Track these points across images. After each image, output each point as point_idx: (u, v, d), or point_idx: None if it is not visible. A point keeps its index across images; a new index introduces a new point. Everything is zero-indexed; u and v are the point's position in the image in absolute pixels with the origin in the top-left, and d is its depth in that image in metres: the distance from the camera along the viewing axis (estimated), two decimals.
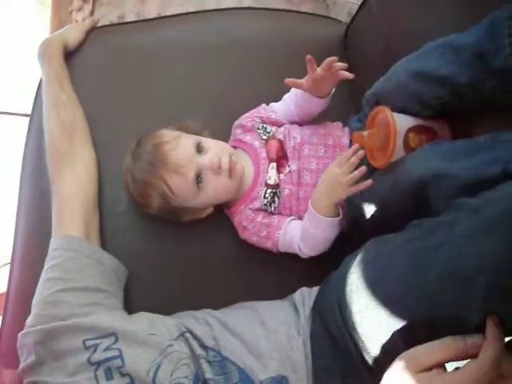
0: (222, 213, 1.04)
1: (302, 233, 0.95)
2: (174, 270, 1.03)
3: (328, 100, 1.00)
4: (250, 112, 1.06)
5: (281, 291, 0.99)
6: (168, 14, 1.35)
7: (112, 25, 1.38)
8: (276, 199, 0.98)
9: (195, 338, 0.85)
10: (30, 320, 0.83)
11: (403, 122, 0.85)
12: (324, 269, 0.93)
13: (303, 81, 0.94)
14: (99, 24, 1.25)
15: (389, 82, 0.89)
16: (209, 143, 0.97)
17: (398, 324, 0.64)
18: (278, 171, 0.98)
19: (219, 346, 0.84)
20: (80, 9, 1.91)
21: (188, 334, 0.85)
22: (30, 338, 0.80)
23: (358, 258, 0.80)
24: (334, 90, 0.98)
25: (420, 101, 0.84)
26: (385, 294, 0.69)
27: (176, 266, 1.03)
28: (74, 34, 1.17)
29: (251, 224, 0.99)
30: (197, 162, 0.93)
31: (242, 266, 1.04)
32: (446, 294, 0.59)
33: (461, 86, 0.78)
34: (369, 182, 0.84)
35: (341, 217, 0.92)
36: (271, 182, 0.98)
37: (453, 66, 0.78)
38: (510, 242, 0.53)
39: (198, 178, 0.93)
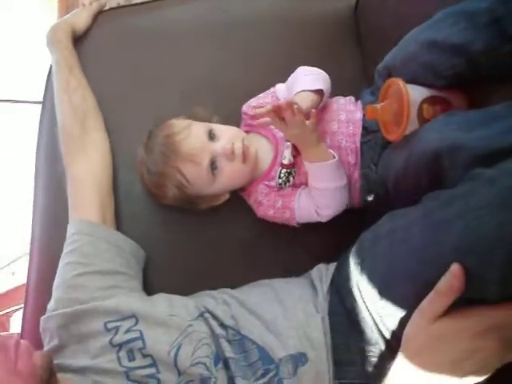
0: (237, 196, 1.04)
1: (314, 194, 0.95)
2: (191, 251, 1.04)
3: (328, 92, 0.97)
4: (256, 100, 1.04)
5: (298, 269, 0.99)
6: None
7: (119, 7, 1.37)
8: (291, 179, 0.97)
9: (214, 317, 0.86)
10: (51, 304, 0.85)
11: (417, 94, 0.83)
12: (341, 245, 0.92)
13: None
14: (106, 7, 1.24)
15: (400, 54, 0.87)
16: (220, 129, 0.97)
17: (415, 297, 0.63)
18: (295, 149, 0.96)
19: (238, 325, 0.84)
20: None
21: (207, 314, 0.86)
22: (53, 321, 0.82)
23: (374, 232, 0.80)
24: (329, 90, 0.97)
25: (433, 71, 0.82)
26: (402, 267, 0.69)
27: (193, 248, 1.04)
28: (81, 18, 1.17)
29: (266, 198, 0.99)
30: (210, 149, 0.93)
31: (259, 245, 1.05)
32: (464, 266, 0.58)
33: (475, 53, 0.76)
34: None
35: (336, 158, 0.92)
36: (286, 161, 0.96)
37: (466, 34, 0.76)
38: None
39: (213, 165, 0.93)
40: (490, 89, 0.82)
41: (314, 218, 0.97)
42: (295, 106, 0.83)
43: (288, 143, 0.97)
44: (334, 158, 0.92)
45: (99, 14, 1.21)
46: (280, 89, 1.03)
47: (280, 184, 0.97)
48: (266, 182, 0.99)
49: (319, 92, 0.93)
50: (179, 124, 0.96)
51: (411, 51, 0.84)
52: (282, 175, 0.97)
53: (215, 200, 1.01)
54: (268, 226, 1.02)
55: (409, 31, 0.87)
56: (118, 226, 1.00)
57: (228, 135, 0.95)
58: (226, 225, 1.05)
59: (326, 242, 1.01)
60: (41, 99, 1.18)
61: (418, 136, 0.79)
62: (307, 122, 0.86)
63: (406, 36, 0.87)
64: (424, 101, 0.83)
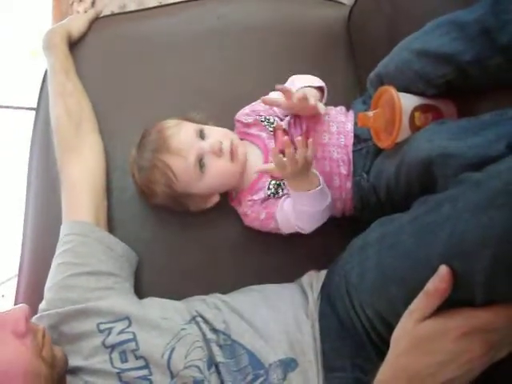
0: (228, 202, 1.04)
1: (294, 212, 0.94)
2: (183, 255, 1.04)
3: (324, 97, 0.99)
4: (250, 107, 1.04)
5: (289, 275, 0.99)
6: (169, 1, 1.35)
7: (114, 14, 1.38)
8: (280, 191, 0.97)
9: (206, 321, 0.86)
10: (43, 305, 0.85)
11: (408, 101, 0.84)
12: (332, 251, 0.93)
13: (282, 100, 0.93)
14: (102, 14, 1.25)
15: (392, 62, 0.89)
16: (211, 129, 0.98)
17: (405, 301, 0.64)
18: None
19: (229, 330, 0.85)
20: (81, 0, 1.90)
21: (199, 318, 0.86)
22: (44, 322, 0.82)
23: (364, 238, 0.81)
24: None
25: (424, 80, 0.84)
26: (391, 272, 0.69)
27: (185, 252, 1.04)
28: (77, 24, 1.17)
29: (250, 209, 0.99)
30: (198, 146, 0.94)
31: (250, 251, 1.05)
32: (451, 268, 0.59)
33: (465, 63, 0.77)
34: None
35: (321, 186, 0.89)
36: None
37: (457, 44, 0.78)
38: None
39: (201, 162, 0.94)
40: (480, 98, 0.83)
41: (297, 230, 0.96)
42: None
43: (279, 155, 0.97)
44: (319, 184, 0.89)
45: (95, 21, 1.22)
46: (274, 95, 1.02)
47: (269, 195, 0.97)
48: (249, 197, 0.99)
49: (321, 89, 0.95)
50: (171, 121, 0.97)
51: (403, 60, 0.86)
52: (271, 186, 0.97)
53: (205, 201, 1.01)
54: (259, 232, 1.02)
55: (401, 41, 0.89)
56: (111, 230, 1.00)
57: (217, 135, 0.96)
58: (218, 229, 1.05)
59: (316, 248, 1.01)
60: (33, 105, 1.19)
61: (409, 144, 0.80)
62: (306, 153, 0.84)
63: (398, 45, 0.88)
64: (416, 109, 0.84)
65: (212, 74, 1.15)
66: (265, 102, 0.96)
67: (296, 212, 0.93)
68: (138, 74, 1.15)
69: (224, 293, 0.96)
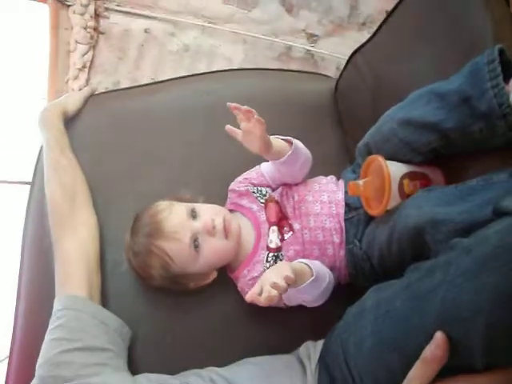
0: (224, 273, 1.03)
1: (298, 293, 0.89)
2: (177, 330, 1.02)
3: (297, 160, 0.98)
4: (243, 176, 1.07)
5: (286, 346, 0.98)
6: (161, 77, 1.40)
7: (108, 91, 1.42)
8: (279, 262, 0.96)
9: None
10: (34, 382, 0.83)
11: (397, 169, 0.86)
12: (328, 321, 0.91)
13: (239, 131, 0.94)
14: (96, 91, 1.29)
15: (378, 132, 0.92)
16: (202, 208, 0.98)
17: (403, 369, 0.63)
18: (281, 233, 0.98)
19: None
20: (76, 77, 1.96)
21: None
22: None
23: (359, 306, 0.81)
24: (289, 152, 0.95)
25: (410, 148, 0.87)
26: (388, 340, 0.68)
27: (179, 326, 1.02)
28: (73, 101, 1.21)
29: (251, 288, 0.91)
30: (191, 226, 0.93)
31: (246, 322, 1.03)
32: (447, 334, 0.58)
33: (449, 130, 0.81)
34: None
35: (314, 276, 0.86)
36: (273, 245, 0.97)
37: (439, 112, 0.81)
38: (505, 277, 0.54)
39: (196, 243, 0.93)
40: (466, 164, 0.85)
41: (302, 303, 0.95)
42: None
43: (274, 227, 0.98)
44: (312, 275, 0.87)
45: (90, 97, 1.25)
46: (265, 166, 1.06)
47: (267, 268, 0.95)
48: (249, 275, 0.97)
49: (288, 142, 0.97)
50: (162, 204, 0.97)
51: (388, 129, 0.89)
52: (269, 259, 0.96)
53: (203, 279, 0.99)
54: (254, 305, 1.00)
55: (386, 110, 0.92)
56: (104, 303, 0.98)
57: (209, 212, 0.96)
58: (214, 302, 1.04)
59: (313, 318, 0.99)
60: (27, 179, 1.20)
61: (399, 212, 0.82)
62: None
63: (384, 115, 0.92)
64: (404, 176, 0.86)
65: (204, 147, 1.17)
66: (227, 129, 0.94)
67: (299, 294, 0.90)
68: (132, 149, 1.17)
69: (220, 366, 0.94)
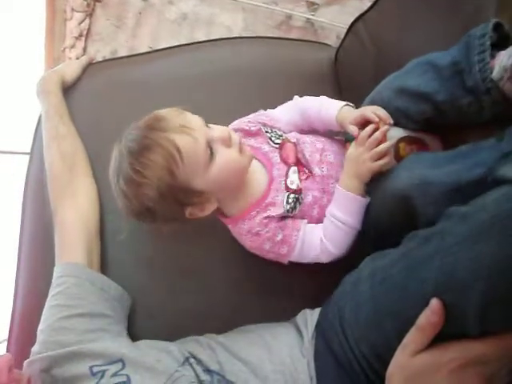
0: (223, 242, 1.02)
1: (327, 225, 0.90)
2: (176, 297, 1.03)
3: None
4: (249, 117, 1.01)
5: (283, 314, 0.99)
6: (159, 46, 1.38)
7: (106, 60, 1.41)
8: (297, 205, 0.91)
9: (199, 362, 0.85)
10: (35, 347, 0.84)
11: (394, 132, 0.87)
12: (325, 290, 0.92)
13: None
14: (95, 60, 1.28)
15: (375, 99, 0.92)
16: (214, 126, 0.88)
17: (398, 335, 0.64)
18: (299, 176, 0.93)
19: (224, 370, 0.84)
20: (73, 46, 1.94)
21: (192, 359, 0.85)
22: (36, 365, 0.81)
23: (356, 275, 0.82)
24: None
25: (405, 115, 0.87)
26: (384, 306, 0.70)
27: (178, 294, 1.03)
28: (71, 69, 1.20)
29: (265, 228, 0.89)
30: (206, 132, 0.84)
31: (245, 291, 1.04)
32: (443, 301, 0.59)
33: (440, 103, 0.81)
34: (390, 156, 0.85)
35: (369, 199, 0.88)
36: (294, 186, 0.91)
37: (433, 84, 0.81)
38: (502, 244, 0.54)
39: (211, 149, 0.83)
40: (464, 133, 0.85)
41: (313, 257, 0.92)
42: (385, 127, 0.85)
43: (294, 167, 0.93)
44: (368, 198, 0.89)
45: (88, 66, 1.24)
46: (281, 112, 1.02)
47: (288, 210, 0.90)
48: (264, 213, 0.90)
49: None
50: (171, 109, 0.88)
51: (385, 97, 0.89)
52: (290, 200, 0.90)
53: (202, 204, 0.88)
54: (254, 272, 1.02)
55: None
56: (104, 271, 0.99)
57: (223, 127, 0.89)
58: (212, 271, 1.05)
59: (311, 286, 1.01)
60: (27, 150, 1.20)
61: (389, 175, 0.83)
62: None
63: (381, 83, 0.92)
64: (401, 139, 0.87)
65: (204, 114, 1.15)
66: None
67: (330, 226, 0.89)
68: (130, 118, 1.16)
69: (219, 333, 0.95)
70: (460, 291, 0.58)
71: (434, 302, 0.59)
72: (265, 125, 0.98)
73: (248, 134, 0.97)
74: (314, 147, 0.96)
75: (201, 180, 0.83)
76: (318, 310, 0.94)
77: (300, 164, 0.95)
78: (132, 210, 0.86)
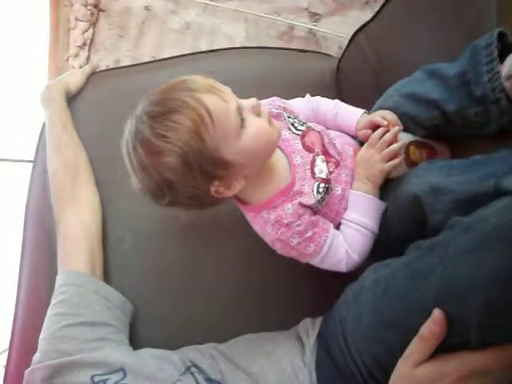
0: (226, 252, 1.03)
1: (346, 231, 0.85)
2: (179, 306, 1.03)
3: None
4: (266, 100, 0.94)
5: (284, 323, 0.99)
6: (162, 56, 1.38)
7: (109, 69, 1.42)
8: (326, 196, 0.84)
9: (201, 371, 0.85)
10: (36, 356, 0.84)
11: (404, 136, 0.87)
12: (327, 298, 0.92)
13: None
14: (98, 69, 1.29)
15: (383, 105, 0.91)
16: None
17: (401, 345, 0.64)
18: (329, 163, 0.88)
19: (225, 380, 0.83)
20: (76, 55, 1.95)
21: (194, 368, 0.85)
22: (37, 374, 0.80)
23: (358, 284, 0.81)
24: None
25: (413, 121, 0.87)
26: (386, 316, 0.69)
27: (180, 303, 1.03)
28: (75, 78, 1.21)
29: (298, 221, 0.81)
30: (236, 99, 0.77)
31: (247, 298, 1.04)
32: (445, 312, 0.60)
33: (448, 112, 0.81)
34: (401, 157, 0.85)
35: (385, 204, 0.86)
36: (323, 175, 0.85)
37: (442, 92, 0.81)
38: (504, 255, 0.55)
39: (241, 116, 0.76)
40: (473, 142, 0.85)
41: (334, 263, 0.85)
42: (396, 128, 0.85)
43: (322, 156, 0.87)
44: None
45: (92, 75, 1.25)
46: (297, 103, 0.99)
47: (319, 201, 0.83)
48: (294, 199, 0.82)
49: None
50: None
51: (394, 103, 0.89)
52: (320, 190, 0.83)
53: (229, 179, 0.78)
54: (256, 282, 1.02)
55: (387, 89, 0.93)
56: (106, 280, 0.99)
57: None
58: (214, 280, 1.05)
59: (313, 295, 1.01)
60: (30, 158, 1.20)
61: (401, 181, 0.83)
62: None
63: (389, 89, 0.92)
64: (411, 143, 0.87)
65: None
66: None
67: (348, 231, 0.85)
68: None
69: (220, 342, 0.95)
70: (461, 302, 0.58)
71: (437, 313, 0.59)
72: (285, 110, 0.93)
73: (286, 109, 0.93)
74: (343, 139, 0.93)
75: (231, 149, 0.75)
76: (319, 319, 0.94)
77: (327, 154, 0.89)
78: (149, 185, 0.77)
